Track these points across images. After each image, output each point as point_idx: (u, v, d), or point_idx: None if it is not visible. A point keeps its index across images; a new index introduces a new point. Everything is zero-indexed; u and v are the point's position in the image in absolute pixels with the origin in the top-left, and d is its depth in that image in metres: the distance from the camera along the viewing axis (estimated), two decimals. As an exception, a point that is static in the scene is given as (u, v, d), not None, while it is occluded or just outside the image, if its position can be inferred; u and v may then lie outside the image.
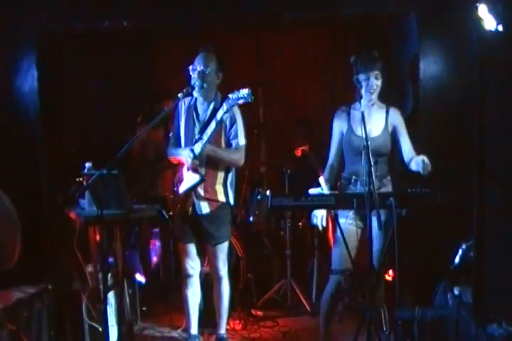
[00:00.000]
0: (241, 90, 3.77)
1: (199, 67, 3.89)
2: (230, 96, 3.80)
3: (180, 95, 3.84)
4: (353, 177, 3.77)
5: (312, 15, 4.45)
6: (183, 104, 4.08)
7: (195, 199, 4.00)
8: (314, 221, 3.79)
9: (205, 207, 4.00)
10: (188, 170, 3.95)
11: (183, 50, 5.73)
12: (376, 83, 3.70)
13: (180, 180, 4.04)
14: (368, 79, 3.68)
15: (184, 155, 3.95)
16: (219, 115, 3.83)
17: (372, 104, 3.77)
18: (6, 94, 4.34)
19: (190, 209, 4.02)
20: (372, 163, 3.20)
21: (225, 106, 3.81)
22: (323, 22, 5.03)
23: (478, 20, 3.16)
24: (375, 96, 3.74)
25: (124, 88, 5.69)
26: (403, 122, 3.79)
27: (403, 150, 3.74)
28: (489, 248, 3.35)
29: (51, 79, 4.49)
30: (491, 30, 3.16)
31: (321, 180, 3.73)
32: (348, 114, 3.84)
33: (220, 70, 3.96)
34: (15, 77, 4.34)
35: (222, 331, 4.30)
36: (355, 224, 3.75)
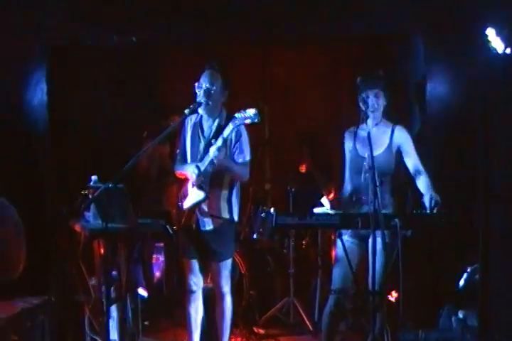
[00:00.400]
0: (248, 110, 3.76)
1: (205, 85, 3.91)
2: (236, 115, 3.80)
3: (186, 111, 3.87)
4: (354, 196, 3.77)
5: (317, 33, 4.48)
6: (189, 121, 4.11)
7: (199, 215, 4.00)
8: None
9: (208, 223, 4.00)
10: (193, 186, 3.96)
11: (188, 63, 5.80)
12: (377, 102, 3.69)
13: (185, 196, 4.04)
14: (367, 97, 3.68)
15: (189, 171, 3.96)
16: (225, 134, 3.84)
17: (377, 124, 3.77)
18: (16, 108, 4.39)
19: (194, 224, 4.02)
20: (378, 184, 3.20)
21: (231, 126, 3.81)
22: (329, 39, 5.07)
23: (486, 42, 3.18)
24: (377, 115, 3.73)
25: (131, 102, 5.73)
26: (410, 140, 3.74)
27: (409, 167, 3.70)
28: (494, 271, 3.34)
29: (60, 93, 4.54)
30: (498, 53, 3.18)
31: (324, 200, 3.72)
32: (355, 134, 3.83)
33: (225, 88, 3.98)
34: (25, 90, 4.40)
35: (224, 349, 4.28)
36: (355, 242, 3.73)
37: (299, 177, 5.58)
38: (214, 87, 3.92)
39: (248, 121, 3.78)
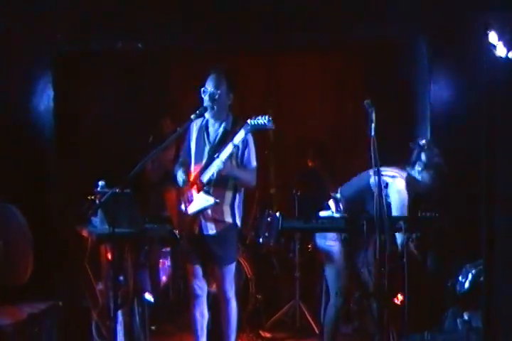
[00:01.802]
0: (260, 116, 3.76)
1: (210, 90, 3.93)
2: (248, 121, 3.80)
3: (193, 116, 3.90)
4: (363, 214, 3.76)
5: (322, 38, 4.51)
6: (195, 125, 4.12)
7: (202, 220, 4.00)
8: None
9: (211, 228, 4.00)
10: (199, 191, 3.98)
11: (196, 69, 5.82)
12: None
13: (189, 201, 4.05)
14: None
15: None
16: (237, 140, 3.83)
17: None
18: (23, 113, 4.42)
19: (197, 229, 4.02)
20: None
21: (243, 132, 3.80)
22: (334, 45, 5.10)
23: (489, 47, 3.21)
24: None
25: (138, 107, 5.76)
26: None
27: None
28: (499, 272, 3.35)
29: (67, 99, 4.57)
30: (500, 57, 3.21)
31: (331, 203, 3.75)
32: None
33: (231, 91, 3.99)
34: (31, 96, 4.42)
35: (231, 353, 4.29)
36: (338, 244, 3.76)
37: (305, 180, 5.60)
38: (219, 91, 3.93)
39: (263, 127, 3.77)
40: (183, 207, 4.04)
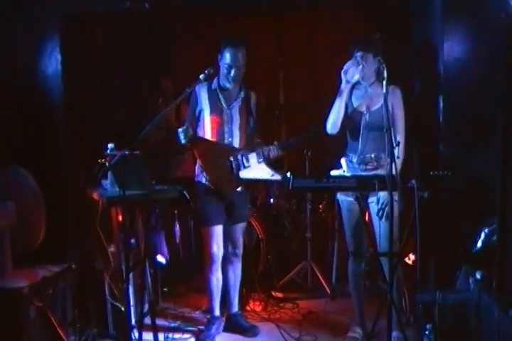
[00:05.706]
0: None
1: (233, 63, 4.01)
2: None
3: (201, 76, 3.85)
4: (351, 155, 3.80)
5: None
6: (202, 90, 4.14)
7: (233, 180, 4.10)
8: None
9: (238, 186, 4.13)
10: (259, 162, 4.07)
11: (203, 31, 5.75)
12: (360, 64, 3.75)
13: (242, 165, 4.11)
14: (355, 59, 3.78)
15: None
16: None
17: (370, 85, 3.86)
18: (31, 77, 4.38)
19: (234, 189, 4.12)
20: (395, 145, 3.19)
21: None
22: (344, 3, 4.99)
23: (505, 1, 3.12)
24: (366, 76, 3.80)
25: (146, 70, 5.71)
26: (401, 102, 3.80)
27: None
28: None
29: (75, 62, 4.52)
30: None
31: (343, 161, 3.72)
32: (351, 87, 3.87)
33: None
34: (39, 60, 4.37)
35: (236, 309, 4.42)
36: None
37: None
38: (241, 63, 4.03)
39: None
40: (227, 167, 4.09)
